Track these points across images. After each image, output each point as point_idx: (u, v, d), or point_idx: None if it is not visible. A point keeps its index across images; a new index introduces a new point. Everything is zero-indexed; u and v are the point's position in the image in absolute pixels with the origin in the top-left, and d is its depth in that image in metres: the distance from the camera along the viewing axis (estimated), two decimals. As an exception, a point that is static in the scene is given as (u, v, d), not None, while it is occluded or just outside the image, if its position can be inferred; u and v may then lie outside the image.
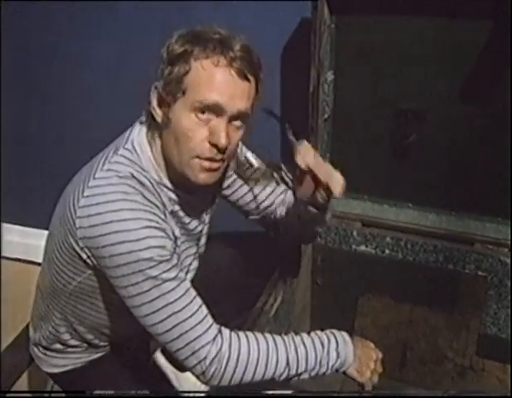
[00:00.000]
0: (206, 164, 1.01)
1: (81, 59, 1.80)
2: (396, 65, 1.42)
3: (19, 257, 2.08)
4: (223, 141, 0.99)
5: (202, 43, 0.98)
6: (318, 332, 1.12)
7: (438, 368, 1.60)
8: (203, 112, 0.99)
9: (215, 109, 0.98)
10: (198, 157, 1.01)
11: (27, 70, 1.88)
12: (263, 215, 1.34)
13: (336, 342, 1.10)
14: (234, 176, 1.28)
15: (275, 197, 1.32)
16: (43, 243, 1.22)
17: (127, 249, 0.97)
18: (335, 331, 1.13)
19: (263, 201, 1.31)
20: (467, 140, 1.45)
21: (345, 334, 1.13)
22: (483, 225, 1.51)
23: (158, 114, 1.04)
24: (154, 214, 1.02)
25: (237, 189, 1.29)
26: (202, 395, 1.21)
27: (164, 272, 0.99)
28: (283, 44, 1.56)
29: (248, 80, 1.00)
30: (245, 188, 1.30)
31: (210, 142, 1.00)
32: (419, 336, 1.58)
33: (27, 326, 1.40)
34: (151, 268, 0.98)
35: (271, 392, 1.14)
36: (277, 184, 1.28)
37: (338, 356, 1.09)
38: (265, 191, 1.30)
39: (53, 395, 1.52)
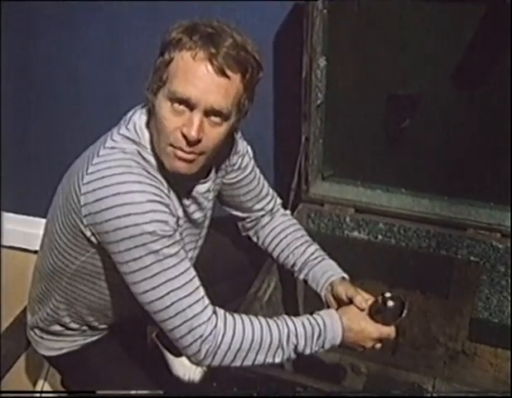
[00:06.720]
0: (179, 153, 1.02)
1: (74, 46, 1.80)
2: (388, 50, 1.42)
3: (17, 245, 2.09)
4: (193, 133, 0.99)
5: (190, 34, 0.98)
6: (306, 315, 1.13)
7: (431, 353, 1.62)
8: (178, 103, 0.99)
9: (188, 102, 0.99)
10: (171, 145, 1.02)
11: (26, 65, 1.89)
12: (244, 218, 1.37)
13: (323, 319, 1.11)
14: (237, 177, 1.29)
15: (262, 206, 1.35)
16: (41, 231, 1.22)
17: (132, 221, 0.98)
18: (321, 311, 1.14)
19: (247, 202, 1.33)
20: (460, 125, 1.45)
21: (331, 310, 1.15)
22: (476, 211, 1.52)
23: (149, 99, 1.05)
24: (158, 188, 1.03)
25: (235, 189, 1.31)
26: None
27: (166, 247, 1.00)
28: (276, 30, 1.55)
29: (227, 76, 0.99)
30: (242, 190, 1.31)
31: (181, 132, 1.00)
32: (412, 321, 1.59)
33: (23, 312, 1.41)
34: (153, 242, 0.99)
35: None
36: None
37: (325, 329, 1.10)
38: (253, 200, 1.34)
39: (52, 395, 1.54)
